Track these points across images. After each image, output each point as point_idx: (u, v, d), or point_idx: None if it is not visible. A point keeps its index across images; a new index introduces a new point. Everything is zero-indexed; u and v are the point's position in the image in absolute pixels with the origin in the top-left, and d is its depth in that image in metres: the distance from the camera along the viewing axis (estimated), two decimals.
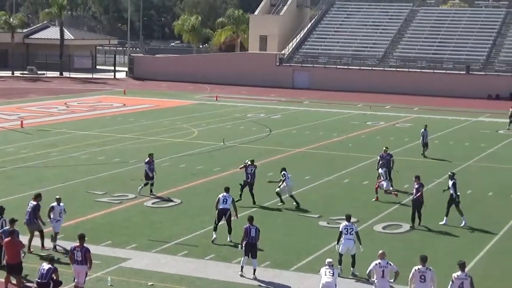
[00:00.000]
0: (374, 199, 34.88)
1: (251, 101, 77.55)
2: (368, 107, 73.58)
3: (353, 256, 24.97)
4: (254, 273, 24.40)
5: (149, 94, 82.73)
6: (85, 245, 22.36)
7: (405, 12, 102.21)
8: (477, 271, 25.24)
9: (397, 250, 27.68)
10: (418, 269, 20.98)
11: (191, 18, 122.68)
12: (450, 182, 31.44)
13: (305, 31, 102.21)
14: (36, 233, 26.59)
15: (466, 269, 21.13)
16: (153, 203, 33.79)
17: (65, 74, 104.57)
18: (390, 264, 21.36)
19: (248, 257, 24.57)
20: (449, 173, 32.65)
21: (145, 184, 35.13)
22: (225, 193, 28.46)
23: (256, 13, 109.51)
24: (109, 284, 23.34)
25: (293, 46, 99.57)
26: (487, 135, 57.17)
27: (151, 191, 35.10)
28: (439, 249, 28.09)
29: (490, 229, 30.82)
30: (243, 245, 24.71)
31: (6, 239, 22.97)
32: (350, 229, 25.07)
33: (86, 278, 22.37)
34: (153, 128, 56.60)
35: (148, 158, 35.72)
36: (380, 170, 35.83)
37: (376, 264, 21.32)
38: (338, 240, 25.16)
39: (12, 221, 23.83)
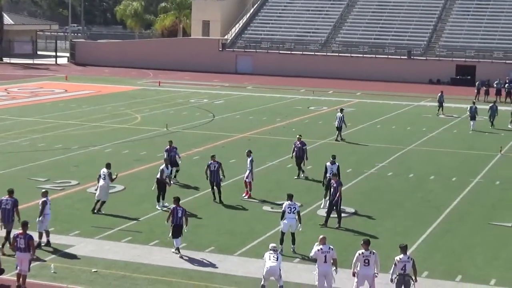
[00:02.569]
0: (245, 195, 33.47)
1: (194, 86, 77.33)
2: (311, 92, 73.84)
3: (293, 234, 25.50)
4: (177, 250, 25.05)
5: (91, 80, 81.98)
6: (28, 232, 22.08)
7: None
8: (420, 253, 25.60)
9: (341, 234, 27.91)
10: (362, 253, 21.09)
11: (134, 3, 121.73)
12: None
13: (247, 16, 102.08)
14: None
15: (409, 251, 21.38)
16: (96, 189, 33.48)
17: (5, 59, 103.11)
18: (332, 249, 21.38)
19: (178, 238, 25.04)
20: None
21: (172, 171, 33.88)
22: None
23: None
24: (52, 272, 23.14)
25: (236, 31, 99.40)
26: (429, 119, 57.78)
27: (175, 176, 34.65)
28: (382, 232, 28.35)
29: (433, 212, 31.21)
30: (171, 228, 25.20)
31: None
32: (293, 207, 25.51)
33: (30, 269, 22.16)
34: (95, 114, 56.12)
35: (168, 146, 35.38)
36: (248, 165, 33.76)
37: (318, 250, 21.33)
38: (282, 218, 25.56)
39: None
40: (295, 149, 37.03)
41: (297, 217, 25.56)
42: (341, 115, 47.22)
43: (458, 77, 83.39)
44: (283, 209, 25.72)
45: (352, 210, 30.96)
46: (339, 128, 47.19)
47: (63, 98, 66.35)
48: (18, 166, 37.86)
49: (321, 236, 21.71)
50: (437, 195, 34.16)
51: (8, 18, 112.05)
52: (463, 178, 37.68)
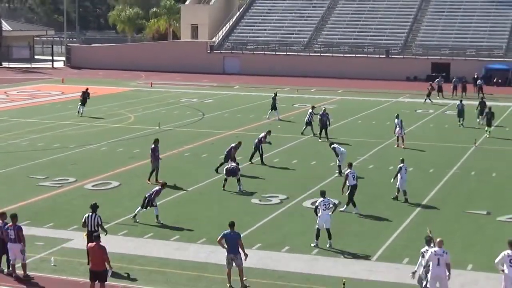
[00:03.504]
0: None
1: (185, 87, 77.16)
2: (295, 90, 73.80)
3: (328, 230, 25.02)
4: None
5: (86, 82, 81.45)
6: (17, 223, 22.04)
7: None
8: (401, 241, 25.65)
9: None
10: (435, 251, 20.12)
11: (129, 9, 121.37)
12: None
13: (234, 19, 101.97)
14: None
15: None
16: (93, 186, 33.47)
17: (4, 64, 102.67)
18: (446, 253, 20.15)
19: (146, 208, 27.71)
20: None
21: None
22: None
23: (187, 3, 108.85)
24: (52, 264, 23.06)
25: (223, 34, 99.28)
26: (407, 114, 57.67)
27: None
28: (364, 223, 28.33)
29: (412, 201, 31.22)
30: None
31: (91, 244, 20.98)
32: (327, 204, 25.07)
33: (26, 258, 22.09)
34: (91, 114, 55.91)
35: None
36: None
37: (432, 252, 20.16)
38: (316, 214, 25.15)
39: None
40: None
41: (330, 213, 25.17)
42: (311, 111, 47.91)
43: (433, 74, 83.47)
44: (316, 205, 25.30)
45: (336, 201, 30.92)
46: (308, 123, 47.35)
47: (60, 99, 66.08)
48: (18, 165, 37.69)
49: (438, 239, 20.44)
50: (415, 185, 34.17)
51: (6, 25, 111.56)
52: (440, 169, 37.73)
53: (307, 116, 47.83)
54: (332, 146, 36.53)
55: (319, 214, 25.11)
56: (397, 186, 31.39)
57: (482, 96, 62.71)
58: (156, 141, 35.03)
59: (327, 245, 25.06)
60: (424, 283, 20.26)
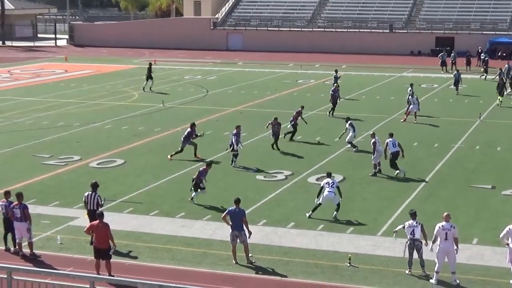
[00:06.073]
0: None
1: (188, 64, 77.03)
2: (299, 66, 73.65)
3: (338, 204, 25.38)
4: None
5: (90, 60, 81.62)
6: (23, 202, 22.09)
7: None
8: (405, 216, 25.60)
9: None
10: (442, 226, 20.22)
11: None
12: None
13: None
14: None
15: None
16: (98, 164, 33.49)
17: (7, 43, 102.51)
18: (454, 227, 20.28)
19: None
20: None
21: (234, 155, 33.18)
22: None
23: None
24: (58, 243, 23.12)
25: (226, 10, 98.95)
26: None
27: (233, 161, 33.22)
28: (368, 197, 28.37)
29: (418, 176, 31.22)
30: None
31: (94, 222, 20.90)
32: (331, 183, 25.42)
33: (32, 236, 22.14)
34: (95, 92, 55.91)
35: (235, 130, 33.58)
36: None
37: (440, 227, 20.27)
38: (318, 195, 25.48)
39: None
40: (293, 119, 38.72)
41: (336, 191, 25.38)
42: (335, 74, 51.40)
43: (437, 48, 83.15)
44: (321, 185, 25.65)
45: (341, 177, 30.96)
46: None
47: (64, 78, 66.02)
48: (23, 144, 37.72)
49: (445, 213, 20.72)
50: (420, 160, 34.17)
51: (9, 3, 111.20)
52: (445, 144, 37.69)
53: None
54: (349, 121, 36.43)
55: (324, 193, 25.28)
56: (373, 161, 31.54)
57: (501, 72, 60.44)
58: (192, 125, 34.90)
59: (333, 216, 25.31)
60: (405, 253, 20.80)
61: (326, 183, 25.50)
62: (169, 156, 34.14)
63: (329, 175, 26.10)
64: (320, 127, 41.71)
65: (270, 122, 36.50)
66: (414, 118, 43.77)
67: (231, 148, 33.02)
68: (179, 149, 34.24)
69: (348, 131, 35.96)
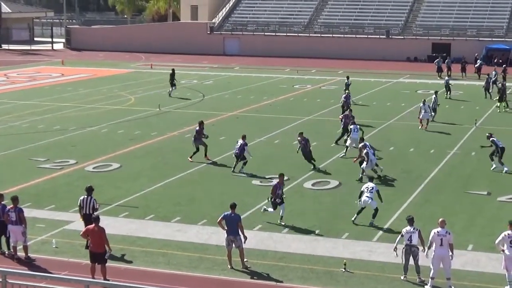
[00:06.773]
0: None
1: (185, 68, 76.99)
2: (295, 71, 73.69)
3: (376, 209, 25.48)
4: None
5: (86, 64, 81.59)
6: (18, 206, 22.07)
7: None
8: (401, 222, 25.60)
9: (326, 205, 27.94)
10: (438, 232, 20.25)
11: None
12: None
13: (233, 0, 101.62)
14: None
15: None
16: (93, 168, 33.47)
17: (4, 46, 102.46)
18: (449, 233, 20.28)
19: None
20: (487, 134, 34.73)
21: (244, 163, 32.96)
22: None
23: None
24: (54, 246, 23.09)
25: (223, 15, 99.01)
26: (407, 95, 57.76)
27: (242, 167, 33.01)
28: None
29: (413, 182, 31.26)
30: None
31: (90, 226, 20.81)
32: (371, 188, 25.66)
33: (27, 240, 22.12)
34: (91, 96, 55.88)
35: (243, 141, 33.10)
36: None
37: (435, 233, 20.29)
38: (360, 197, 25.80)
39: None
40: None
41: (373, 195, 25.51)
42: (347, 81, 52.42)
43: (434, 54, 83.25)
44: (361, 189, 25.90)
45: (337, 182, 30.97)
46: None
47: (60, 82, 65.97)
48: (19, 147, 37.67)
49: (440, 219, 20.64)
50: (416, 166, 34.19)
51: (6, 7, 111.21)
52: (441, 150, 37.72)
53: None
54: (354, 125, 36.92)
55: (362, 198, 25.54)
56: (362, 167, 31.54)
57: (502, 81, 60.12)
58: (201, 123, 35.16)
59: (369, 223, 25.49)
60: (404, 261, 20.71)
61: (366, 188, 25.72)
62: (189, 158, 34.35)
63: (371, 179, 26.52)
64: (316, 132, 41.66)
65: (297, 138, 34.48)
66: (420, 125, 43.50)
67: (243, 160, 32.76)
68: (195, 149, 34.63)
69: (351, 133, 36.16)
